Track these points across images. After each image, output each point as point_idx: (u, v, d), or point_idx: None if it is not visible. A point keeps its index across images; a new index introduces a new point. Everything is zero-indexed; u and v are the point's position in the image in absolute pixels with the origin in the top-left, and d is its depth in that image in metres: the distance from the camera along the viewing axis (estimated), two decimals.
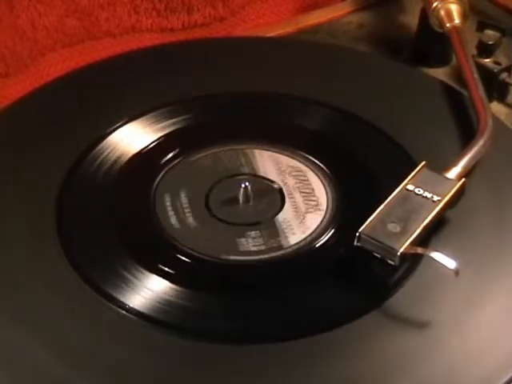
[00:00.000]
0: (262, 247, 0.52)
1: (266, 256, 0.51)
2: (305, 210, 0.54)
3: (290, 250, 0.52)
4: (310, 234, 0.52)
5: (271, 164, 0.57)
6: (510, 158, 0.57)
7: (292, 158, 0.58)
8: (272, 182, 0.56)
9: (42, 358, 0.45)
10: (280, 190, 0.55)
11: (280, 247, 0.52)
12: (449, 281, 0.47)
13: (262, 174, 0.56)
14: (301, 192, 0.55)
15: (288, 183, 0.56)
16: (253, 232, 0.53)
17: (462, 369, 0.46)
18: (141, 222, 0.54)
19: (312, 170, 0.57)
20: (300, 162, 0.57)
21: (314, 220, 0.53)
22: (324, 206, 0.54)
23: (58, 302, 0.48)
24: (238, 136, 0.59)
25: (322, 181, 0.56)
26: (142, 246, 0.52)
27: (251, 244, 0.52)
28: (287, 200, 0.55)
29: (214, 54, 0.66)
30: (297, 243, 0.52)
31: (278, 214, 0.54)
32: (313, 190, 0.55)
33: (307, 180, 0.56)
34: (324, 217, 0.54)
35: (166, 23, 0.77)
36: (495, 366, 0.46)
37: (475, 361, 0.46)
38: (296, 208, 0.54)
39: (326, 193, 0.55)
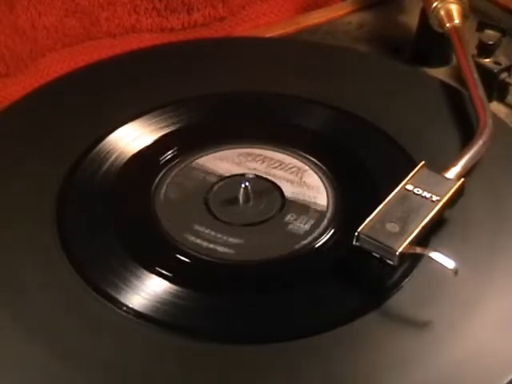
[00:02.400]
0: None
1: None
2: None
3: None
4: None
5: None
6: (510, 158, 0.57)
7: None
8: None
9: (42, 358, 0.45)
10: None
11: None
12: (448, 281, 0.47)
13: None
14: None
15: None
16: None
17: (462, 369, 0.46)
18: (141, 222, 0.54)
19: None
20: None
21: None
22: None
23: (58, 302, 0.48)
24: (237, 136, 0.59)
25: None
26: (141, 246, 0.52)
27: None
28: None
29: (214, 54, 0.66)
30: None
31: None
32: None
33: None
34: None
35: (166, 23, 0.77)
36: (495, 366, 0.45)
37: (475, 361, 0.46)
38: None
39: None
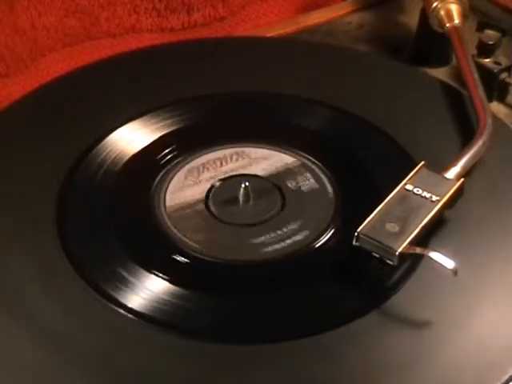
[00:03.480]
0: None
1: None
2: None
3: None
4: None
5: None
6: (510, 158, 0.57)
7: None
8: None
9: (42, 357, 0.45)
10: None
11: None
12: (448, 281, 0.47)
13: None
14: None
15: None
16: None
17: (462, 368, 0.46)
18: (140, 222, 0.54)
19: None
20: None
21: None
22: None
23: (58, 302, 0.48)
24: (237, 136, 0.59)
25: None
26: (141, 247, 0.52)
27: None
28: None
29: (214, 54, 0.66)
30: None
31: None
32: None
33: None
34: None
35: (165, 23, 0.77)
36: (495, 366, 0.45)
37: (475, 360, 0.46)
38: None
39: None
